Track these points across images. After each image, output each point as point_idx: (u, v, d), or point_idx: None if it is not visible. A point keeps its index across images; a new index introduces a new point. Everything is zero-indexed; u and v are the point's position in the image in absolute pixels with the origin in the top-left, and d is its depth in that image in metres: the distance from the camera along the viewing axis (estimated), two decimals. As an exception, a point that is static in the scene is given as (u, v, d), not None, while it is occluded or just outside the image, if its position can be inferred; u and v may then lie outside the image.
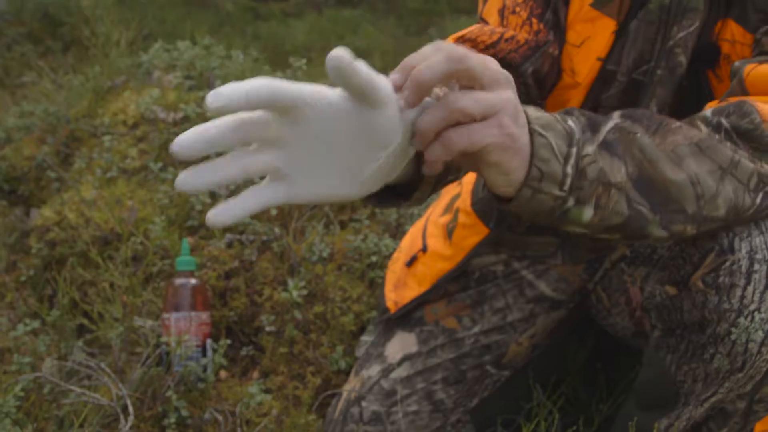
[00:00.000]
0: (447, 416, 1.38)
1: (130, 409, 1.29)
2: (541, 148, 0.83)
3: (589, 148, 0.87)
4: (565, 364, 1.53)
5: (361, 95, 0.75)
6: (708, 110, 0.99)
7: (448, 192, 1.48)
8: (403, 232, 1.77)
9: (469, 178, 1.42)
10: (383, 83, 0.76)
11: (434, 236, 1.42)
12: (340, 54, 0.71)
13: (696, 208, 0.93)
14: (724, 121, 0.96)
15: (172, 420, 1.33)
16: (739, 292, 1.01)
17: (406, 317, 1.42)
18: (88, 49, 2.82)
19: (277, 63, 2.81)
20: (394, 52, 3.72)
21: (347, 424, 1.36)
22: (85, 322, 1.53)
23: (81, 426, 1.27)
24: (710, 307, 1.03)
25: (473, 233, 1.37)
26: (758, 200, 0.96)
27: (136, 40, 2.91)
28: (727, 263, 1.02)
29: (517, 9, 1.16)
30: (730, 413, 1.12)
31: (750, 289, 1.01)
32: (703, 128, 0.96)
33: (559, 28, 1.16)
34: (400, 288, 1.44)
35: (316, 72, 3.00)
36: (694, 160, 0.92)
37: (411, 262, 1.43)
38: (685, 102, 1.15)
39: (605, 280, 1.35)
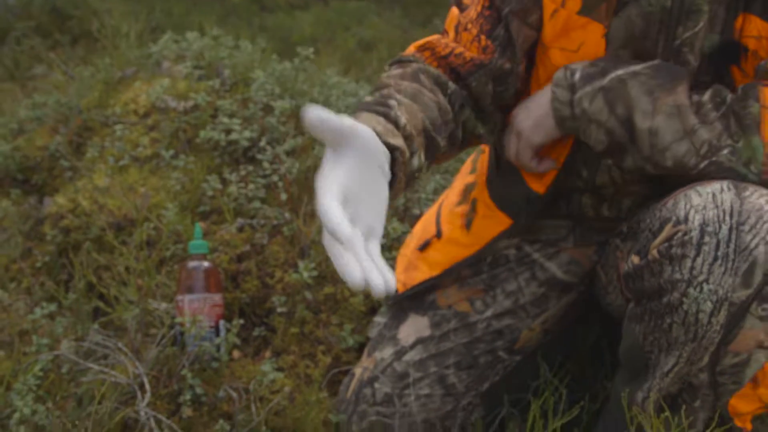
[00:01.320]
0: (458, 400, 1.40)
1: (147, 386, 1.33)
2: (554, 101, 1.21)
3: (580, 93, 1.18)
4: (574, 345, 1.56)
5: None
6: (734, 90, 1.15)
7: (462, 179, 1.51)
8: (411, 216, 1.80)
9: (483, 170, 1.45)
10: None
11: (449, 223, 1.45)
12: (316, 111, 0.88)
13: (650, 153, 1.15)
14: (729, 98, 1.14)
15: (188, 397, 1.37)
16: (689, 263, 1.05)
17: (420, 300, 1.44)
18: (97, 41, 2.85)
19: (285, 53, 2.84)
20: (400, 42, 3.74)
21: (360, 404, 1.39)
22: (101, 305, 1.57)
23: (99, 403, 1.30)
24: (665, 276, 1.08)
25: (495, 224, 1.39)
26: (702, 165, 1.13)
27: (144, 32, 2.94)
28: (680, 234, 1.06)
29: (469, 26, 1.26)
30: (697, 386, 1.16)
31: (699, 260, 1.04)
32: (705, 96, 1.15)
33: (511, 45, 1.24)
34: (410, 270, 1.47)
35: (322, 62, 3.03)
36: (667, 118, 1.13)
37: (424, 246, 1.46)
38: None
39: (603, 258, 1.38)
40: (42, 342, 1.48)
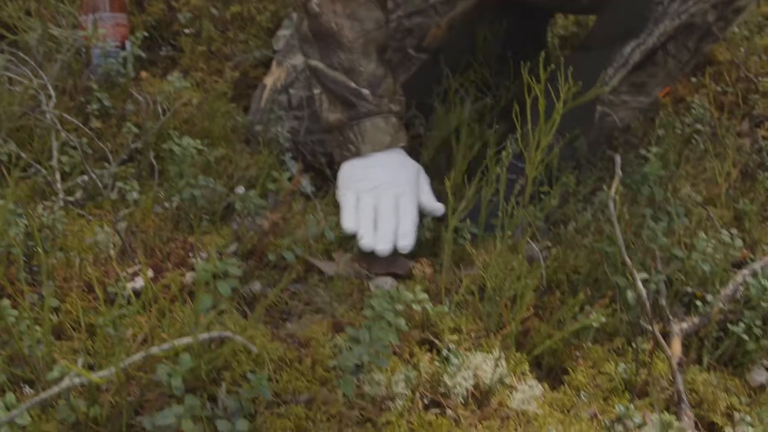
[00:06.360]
0: None
1: (52, 93, 1.33)
2: None
3: None
4: (475, 50, 1.58)
5: None
6: None
7: None
8: None
9: None
10: None
11: None
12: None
13: None
14: None
15: (95, 107, 1.37)
16: None
17: None
18: None
19: None
20: None
21: (274, 111, 1.41)
22: (3, 31, 1.53)
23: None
24: None
25: None
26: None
27: None
28: None
29: None
30: (695, 28, 1.21)
31: None
32: None
33: None
34: None
35: None
36: None
37: None
38: None
39: None
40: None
